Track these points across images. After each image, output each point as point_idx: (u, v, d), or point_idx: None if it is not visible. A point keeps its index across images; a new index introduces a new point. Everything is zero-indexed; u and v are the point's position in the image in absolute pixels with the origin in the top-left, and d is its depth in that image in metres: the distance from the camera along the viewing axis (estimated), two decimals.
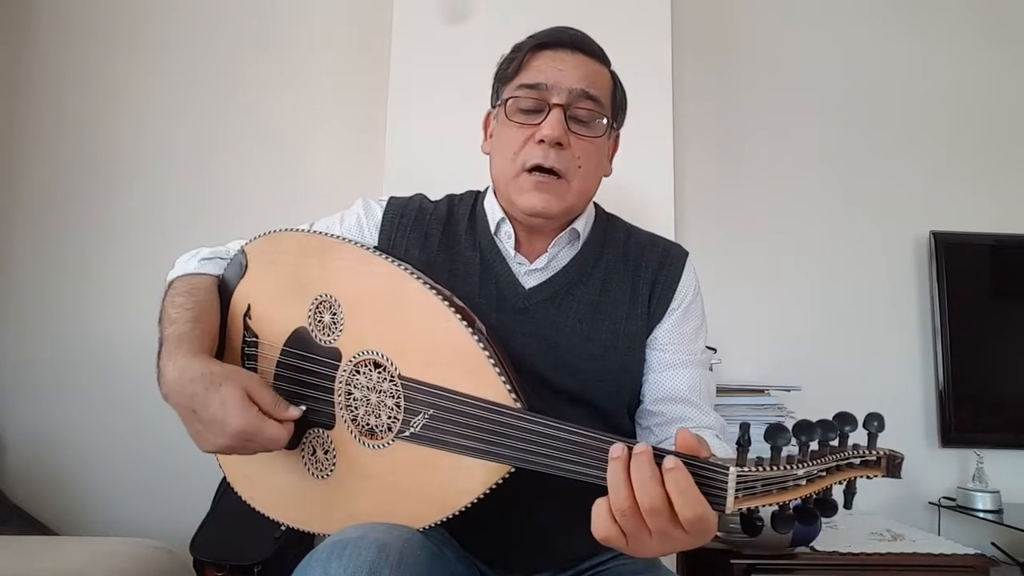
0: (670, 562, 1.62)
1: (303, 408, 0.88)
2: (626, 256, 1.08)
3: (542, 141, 0.97)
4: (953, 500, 1.92)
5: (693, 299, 1.08)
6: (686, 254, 1.11)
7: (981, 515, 1.81)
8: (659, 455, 0.67)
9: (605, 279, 1.05)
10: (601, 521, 0.68)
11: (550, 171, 0.98)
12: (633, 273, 1.06)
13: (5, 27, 2.04)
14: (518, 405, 0.80)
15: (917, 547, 1.59)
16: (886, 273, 2.08)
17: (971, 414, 1.94)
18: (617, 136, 1.12)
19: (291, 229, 1.00)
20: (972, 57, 2.16)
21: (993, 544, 1.77)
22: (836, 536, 1.64)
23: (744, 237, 2.08)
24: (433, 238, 1.07)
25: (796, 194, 2.10)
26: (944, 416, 1.95)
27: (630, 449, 0.68)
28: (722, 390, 1.75)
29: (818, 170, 2.12)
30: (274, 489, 0.98)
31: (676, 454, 0.68)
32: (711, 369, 1.12)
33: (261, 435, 0.82)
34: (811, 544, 1.54)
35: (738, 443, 0.66)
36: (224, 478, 1.04)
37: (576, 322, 1.02)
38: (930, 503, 1.96)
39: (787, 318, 2.05)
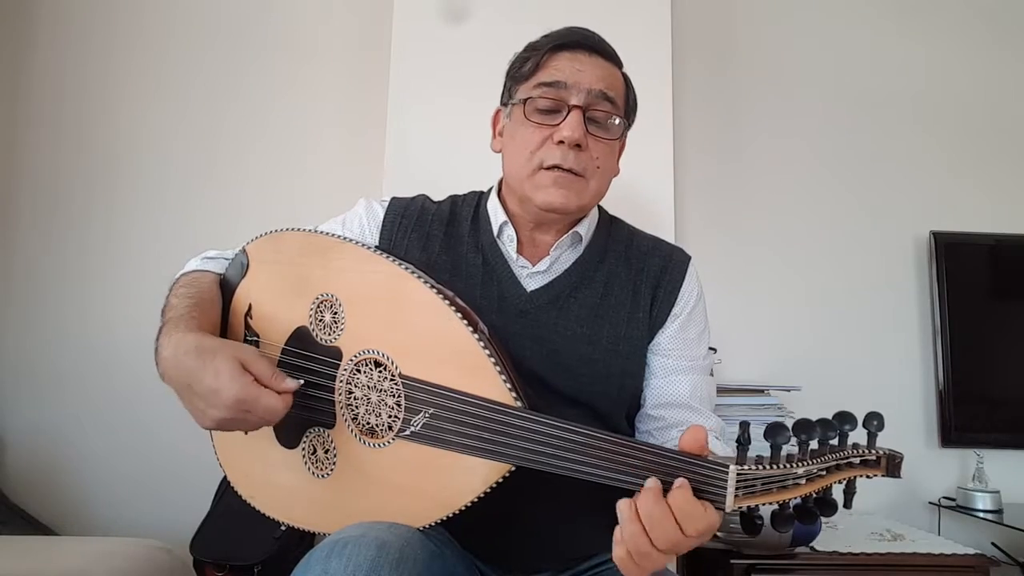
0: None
1: (301, 381, 0.87)
2: (628, 260, 1.08)
3: (561, 142, 0.97)
4: (953, 500, 1.92)
5: (696, 304, 1.08)
6: (689, 259, 1.11)
7: (981, 515, 1.81)
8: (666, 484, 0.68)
9: (607, 283, 1.06)
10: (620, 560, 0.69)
11: (569, 171, 0.98)
12: (635, 277, 1.06)
13: (5, 27, 2.04)
14: (519, 404, 0.80)
15: (917, 547, 1.58)
16: (886, 273, 2.08)
17: (971, 414, 1.94)
18: (625, 137, 1.12)
19: (293, 229, 1.00)
20: (972, 57, 2.16)
21: (993, 544, 1.77)
22: (836, 536, 1.64)
23: (744, 237, 2.08)
24: (435, 239, 1.07)
25: (796, 194, 2.10)
26: (944, 416, 1.95)
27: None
28: (722, 390, 1.75)
29: (818, 170, 2.12)
30: (274, 488, 0.98)
31: (674, 453, 0.68)
32: (712, 373, 1.13)
33: (258, 405, 0.80)
34: (811, 544, 1.54)
35: (738, 441, 0.66)
36: (224, 478, 1.04)
37: (577, 325, 1.02)
38: (930, 503, 1.96)
39: (787, 318, 2.05)
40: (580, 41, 1.02)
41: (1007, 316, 1.98)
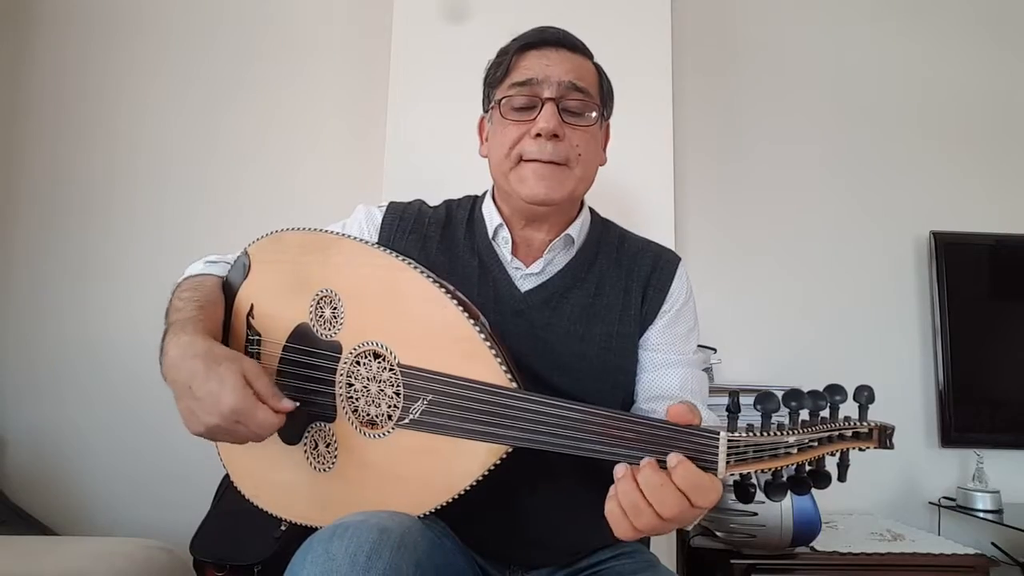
0: (670, 562, 1.62)
1: (297, 403, 0.87)
2: (619, 262, 1.10)
3: (539, 135, 0.99)
4: (953, 500, 1.92)
5: (685, 303, 1.10)
6: (678, 259, 1.13)
7: (981, 515, 1.81)
8: (661, 459, 0.68)
9: (599, 283, 1.07)
10: (622, 531, 0.70)
11: (549, 162, 1.00)
12: (626, 278, 1.08)
13: (5, 27, 2.05)
14: (514, 385, 0.81)
15: (917, 547, 1.59)
16: (886, 273, 2.08)
17: (971, 414, 1.94)
18: (608, 126, 1.13)
19: (294, 229, 1.01)
20: (972, 57, 2.16)
21: (993, 544, 1.77)
22: (836, 536, 1.64)
23: (744, 237, 2.09)
24: (432, 241, 1.09)
25: (796, 193, 2.11)
26: (944, 416, 1.95)
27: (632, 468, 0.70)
28: (722, 390, 1.75)
29: (818, 170, 2.12)
30: (277, 485, 0.98)
31: (667, 424, 0.70)
32: (710, 372, 1.13)
33: (252, 418, 0.81)
34: (811, 544, 1.54)
35: (728, 410, 0.67)
36: (225, 476, 1.04)
37: (570, 324, 1.04)
38: (930, 503, 1.96)
39: (787, 318, 2.05)
40: (547, 38, 1.05)
41: (1007, 316, 1.98)
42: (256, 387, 0.83)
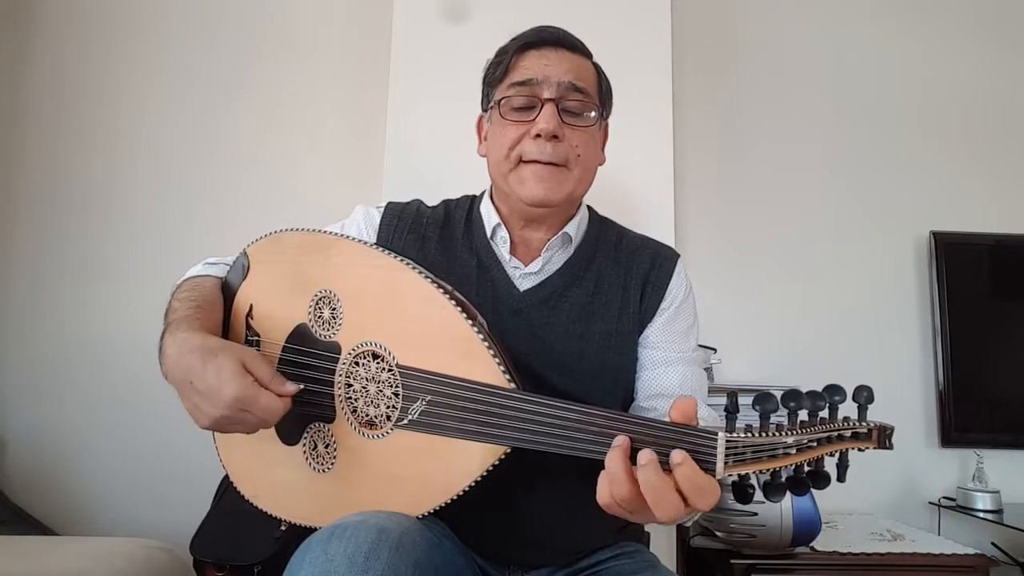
0: (670, 562, 1.62)
1: (300, 386, 0.88)
2: (617, 259, 1.10)
3: (538, 136, 0.99)
4: (953, 500, 1.92)
5: (684, 300, 1.10)
6: (677, 256, 1.13)
7: (981, 515, 1.81)
8: (663, 453, 0.67)
9: (597, 281, 1.07)
10: (603, 497, 0.70)
11: (549, 163, 1.00)
12: (624, 275, 1.08)
13: (5, 27, 2.05)
14: (512, 386, 0.81)
15: (917, 547, 1.59)
16: (886, 273, 2.08)
17: (971, 414, 1.94)
18: (607, 126, 1.13)
19: (293, 229, 1.01)
20: (972, 57, 2.16)
21: (993, 544, 1.77)
22: (836, 536, 1.64)
23: (744, 237, 2.09)
24: (430, 241, 1.09)
25: (796, 193, 2.11)
26: (944, 416, 1.95)
27: (631, 439, 0.69)
28: (722, 390, 1.76)
29: (818, 170, 2.12)
30: (276, 486, 0.98)
31: (663, 424, 0.69)
32: (710, 372, 1.13)
33: (256, 404, 0.81)
34: (811, 544, 1.54)
35: (726, 410, 0.67)
36: (225, 476, 1.04)
37: (569, 323, 1.04)
38: (930, 503, 1.96)
39: (787, 318, 2.05)
40: (546, 38, 1.05)
41: (1007, 316, 1.98)
42: (256, 373, 0.83)
